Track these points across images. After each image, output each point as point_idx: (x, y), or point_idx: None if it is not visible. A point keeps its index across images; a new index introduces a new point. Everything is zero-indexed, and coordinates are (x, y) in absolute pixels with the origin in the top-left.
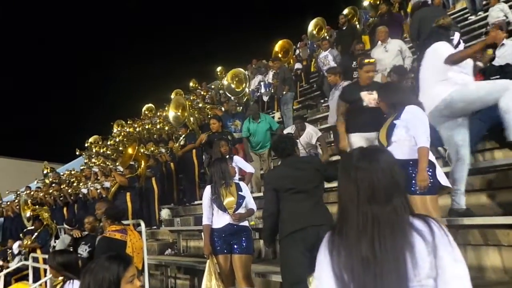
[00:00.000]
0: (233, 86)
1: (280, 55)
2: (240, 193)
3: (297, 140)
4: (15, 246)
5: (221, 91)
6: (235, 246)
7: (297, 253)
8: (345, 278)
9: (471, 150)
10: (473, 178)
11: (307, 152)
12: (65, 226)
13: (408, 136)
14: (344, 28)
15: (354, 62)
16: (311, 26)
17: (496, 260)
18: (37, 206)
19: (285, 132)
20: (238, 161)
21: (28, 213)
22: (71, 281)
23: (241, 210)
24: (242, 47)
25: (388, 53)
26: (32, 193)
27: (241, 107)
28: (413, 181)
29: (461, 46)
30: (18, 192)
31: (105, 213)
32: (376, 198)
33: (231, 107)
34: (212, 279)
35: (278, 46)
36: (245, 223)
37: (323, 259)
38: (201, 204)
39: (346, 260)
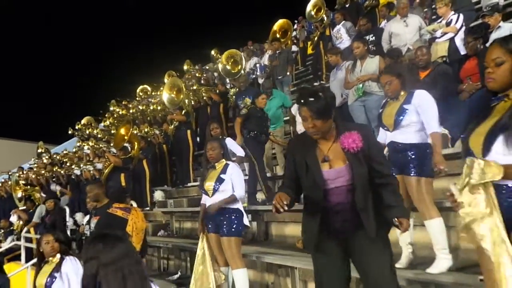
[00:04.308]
0: (228, 67)
1: (278, 36)
2: (221, 175)
3: None
4: (14, 219)
5: (215, 73)
6: (220, 228)
7: None
8: None
9: None
10: None
11: None
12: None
13: (418, 121)
14: (347, 5)
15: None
16: (309, 6)
17: None
18: (28, 187)
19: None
20: (230, 144)
21: (20, 194)
22: (71, 256)
23: (219, 194)
24: (237, 30)
25: (409, 28)
26: (24, 173)
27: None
28: (411, 164)
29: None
30: (10, 173)
31: (108, 196)
32: None
33: (240, 84)
34: (206, 260)
35: (277, 25)
36: (232, 206)
37: None
38: (194, 186)
39: None
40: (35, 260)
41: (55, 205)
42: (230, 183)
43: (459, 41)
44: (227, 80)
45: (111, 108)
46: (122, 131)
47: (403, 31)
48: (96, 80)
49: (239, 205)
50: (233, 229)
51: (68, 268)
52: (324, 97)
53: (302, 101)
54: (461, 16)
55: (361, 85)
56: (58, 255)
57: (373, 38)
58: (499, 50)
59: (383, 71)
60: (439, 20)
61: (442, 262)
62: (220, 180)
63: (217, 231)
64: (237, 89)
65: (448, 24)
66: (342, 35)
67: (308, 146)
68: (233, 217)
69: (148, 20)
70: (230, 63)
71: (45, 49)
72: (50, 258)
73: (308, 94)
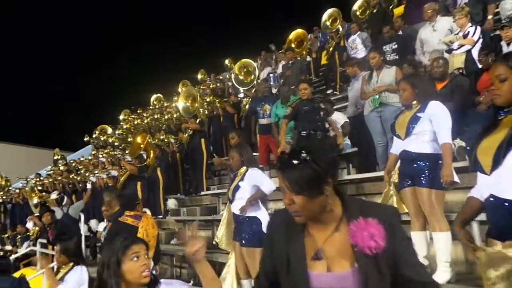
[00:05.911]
0: (241, 77)
1: (293, 45)
2: (239, 183)
3: None
4: (30, 225)
5: (229, 83)
6: (240, 237)
7: None
8: None
9: None
10: None
11: None
12: None
13: (430, 130)
14: (375, 11)
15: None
16: (325, 16)
17: None
18: (44, 193)
19: None
20: None
21: (36, 200)
22: (80, 266)
23: (239, 201)
24: (251, 39)
25: (437, 33)
26: (41, 180)
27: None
28: (423, 175)
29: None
30: (28, 179)
31: (120, 204)
32: None
33: (261, 90)
34: (231, 269)
35: (293, 35)
36: (251, 214)
37: None
38: (207, 194)
39: None
40: (50, 265)
41: (52, 218)
42: (246, 190)
43: (476, 53)
44: (241, 90)
45: (122, 117)
46: (139, 139)
47: (430, 36)
48: (111, 89)
49: (258, 213)
50: (253, 239)
51: (70, 276)
52: (314, 162)
53: (279, 164)
54: (478, 28)
55: (377, 96)
56: (71, 264)
57: (396, 46)
58: (502, 67)
59: (402, 78)
60: (456, 32)
61: (443, 275)
62: (236, 188)
63: (237, 239)
64: (250, 98)
65: (465, 36)
66: (357, 46)
67: (292, 231)
68: (253, 226)
69: (150, 22)
70: (242, 73)
71: (63, 55)
72: (63, 266)
73: (290, 156)
